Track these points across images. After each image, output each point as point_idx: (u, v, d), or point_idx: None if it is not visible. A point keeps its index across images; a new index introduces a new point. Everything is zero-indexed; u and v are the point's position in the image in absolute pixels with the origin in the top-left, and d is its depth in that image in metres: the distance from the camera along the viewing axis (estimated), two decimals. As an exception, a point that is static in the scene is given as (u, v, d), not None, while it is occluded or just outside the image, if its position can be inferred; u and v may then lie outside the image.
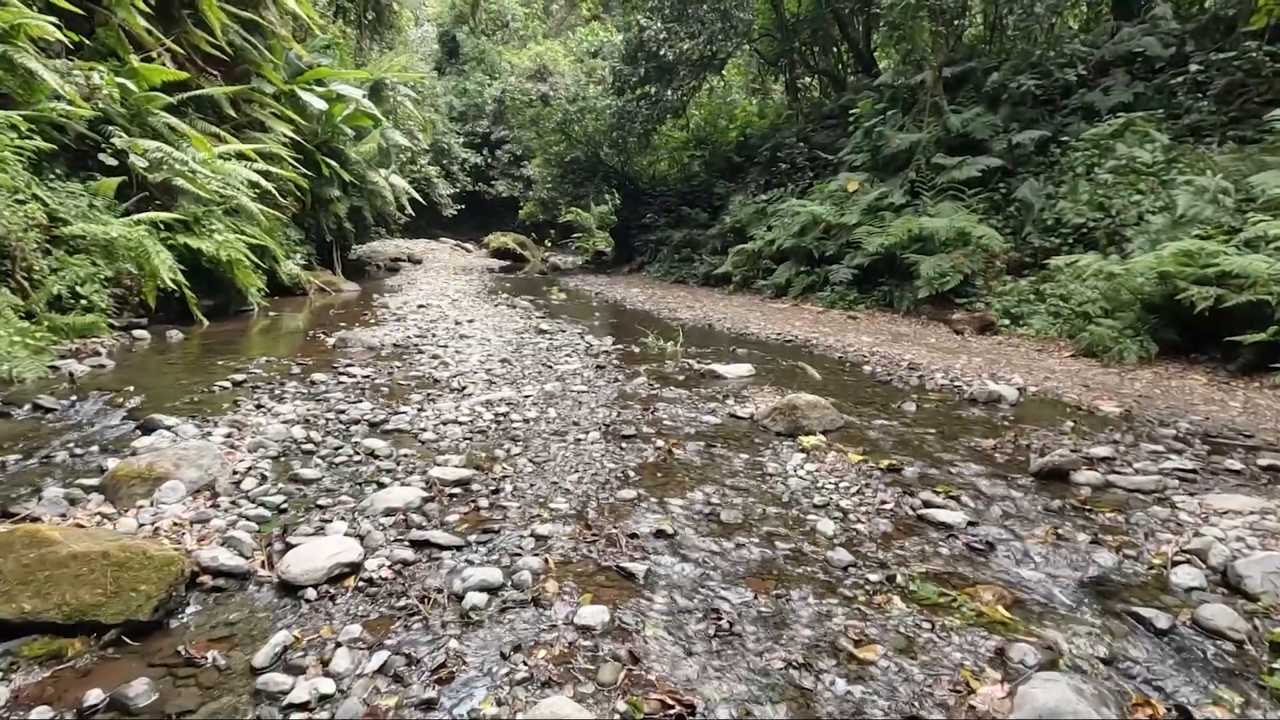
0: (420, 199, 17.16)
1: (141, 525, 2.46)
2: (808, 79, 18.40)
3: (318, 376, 4.99)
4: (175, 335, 6.70)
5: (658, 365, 6.00)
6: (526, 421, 4.07)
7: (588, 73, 21.53)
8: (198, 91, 8.95)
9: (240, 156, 9.39)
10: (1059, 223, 8.55)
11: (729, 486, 3.10)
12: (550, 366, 5.70)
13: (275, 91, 12.09)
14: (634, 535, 2.56)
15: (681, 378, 5.50)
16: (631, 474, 3.24)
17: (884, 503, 2.94)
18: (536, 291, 13.46)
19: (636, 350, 6.79)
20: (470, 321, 8.16)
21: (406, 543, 2.42)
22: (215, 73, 9.77)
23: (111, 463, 2.95)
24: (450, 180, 26.69)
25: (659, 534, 2.58)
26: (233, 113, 9.95)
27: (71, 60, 7.28)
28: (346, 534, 2.44)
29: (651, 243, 16.87)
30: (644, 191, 18.34)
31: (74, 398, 4.12)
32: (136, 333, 6.53)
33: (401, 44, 18.00)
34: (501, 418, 4.10)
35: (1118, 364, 6.06)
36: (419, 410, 4.23)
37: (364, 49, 17.60)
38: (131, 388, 4.39)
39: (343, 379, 4.99)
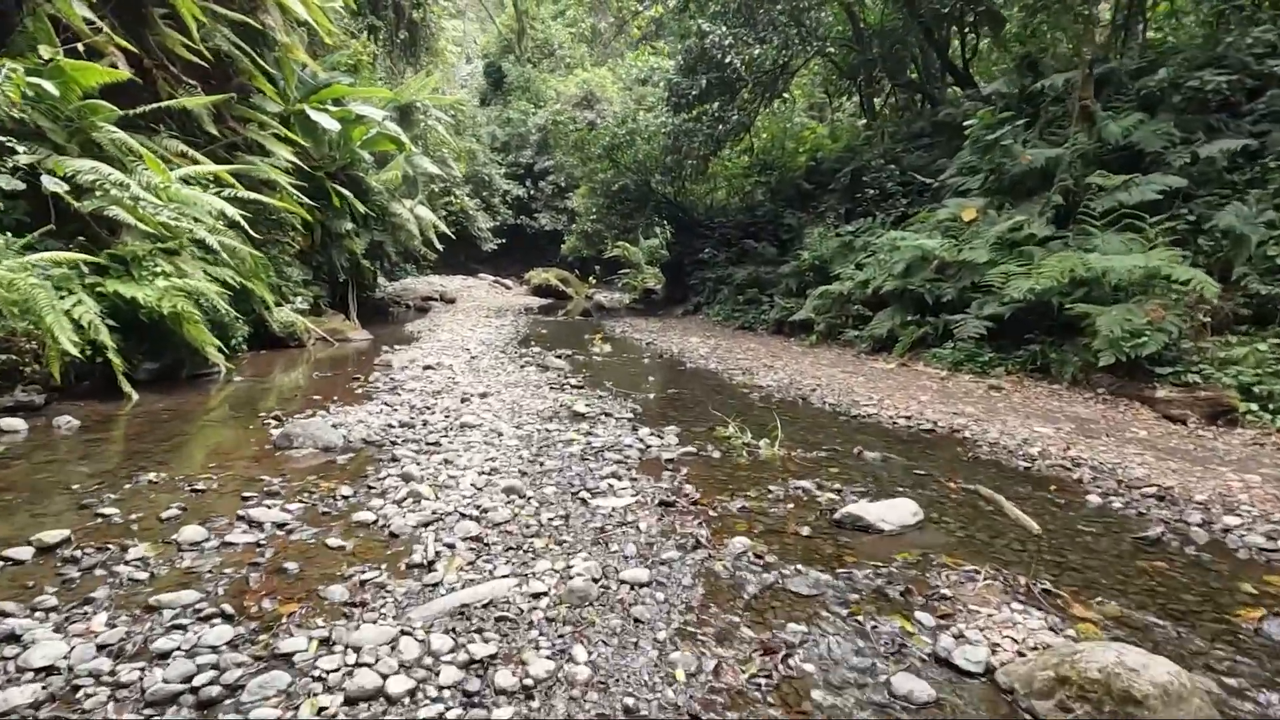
0: (449, 233, 15.47)
1: None
2: (889, 95, 16.19)
3: (188, 536, 2.92)
4: (66, 424, 4.78)
5: (757, 492, 3.75)
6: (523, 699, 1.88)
7: (637, 100, 19.82)
8: (164, 103, 7.27)
9: (217, 181, 7.67)
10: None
11: None
12: (585, 502, 3.51)
13: (283, 111, 10.53)
14: None
15: (806, 532, 3.24)
16: None
17: None
18: (577, 339, 11.40)
19: (714, 453, 4.55)
20: (483, 396, 6.07)
21: None
22: (194, 83, 8.13)
23: None
24: (490, 213, 25.27)
25: None
26: (214, 130, 8.29)
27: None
28: None
29: (710, 281, 14.72)
30: (700, 223, 16.29)
31: None
32: (8, 422, 4.64)
33: (438, 64, 16.59)
34: (470, 700, 1.92)
35: None
36: (312, 652, 2.08)
37: (398, 71, 16.19)
38: None
39: (230, 543, 2.90)
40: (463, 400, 5.81)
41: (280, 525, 3.09)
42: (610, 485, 3.74)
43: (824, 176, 15.09)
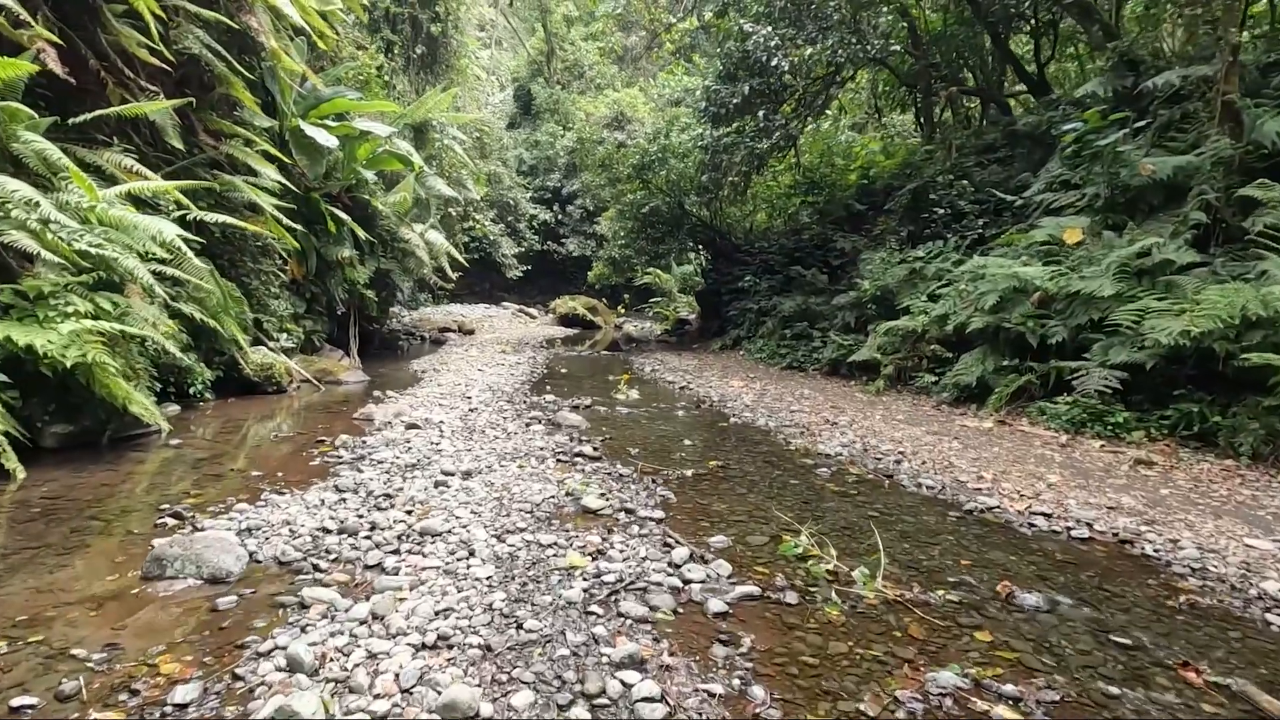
0: (462, 260, 14.23)
1: None
2: (944, 107, 14.60)
3: None
4: (-121, 526, 3.46)
5: (875, 699, 2.20)
6: None
7: (669, 121, 18.60)
8: (103, 111, 6.11)
9: (179, 204, 6.49)
10: None
11: None
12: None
13: (275, 127, 9.43)
14: None
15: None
16: None
17: None
18: (600, 382, 9.95)
19: (788, 593, 3.00)
20: (466, 477, 4.62)
21: None
22: (156, 90, 7.01)
23: None
24: (516, 239, 24.21)
25: None
26: (178, 144, 7.13)
27: None
28: None
29: (750, 312, 13.17)
30: (738, 248, 14.82)
31: None
32: None
33: (458, 82, 15.57)
34: None
35: None
36: None
37: (419, 89, 15.20)
38: None
39: None
40: (436, 485, 4.36)
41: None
42: (626, 687, 2.22)
43: (877, 196, 13.54)
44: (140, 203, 6.71)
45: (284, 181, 8.90)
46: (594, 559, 3.24)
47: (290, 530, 3.57)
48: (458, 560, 3.22)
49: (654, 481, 4.67)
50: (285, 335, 8.97)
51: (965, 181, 10.59)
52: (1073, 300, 6.87)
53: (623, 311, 23.71)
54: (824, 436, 6.28)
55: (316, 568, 3.15)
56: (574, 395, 8.40)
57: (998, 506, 4.34)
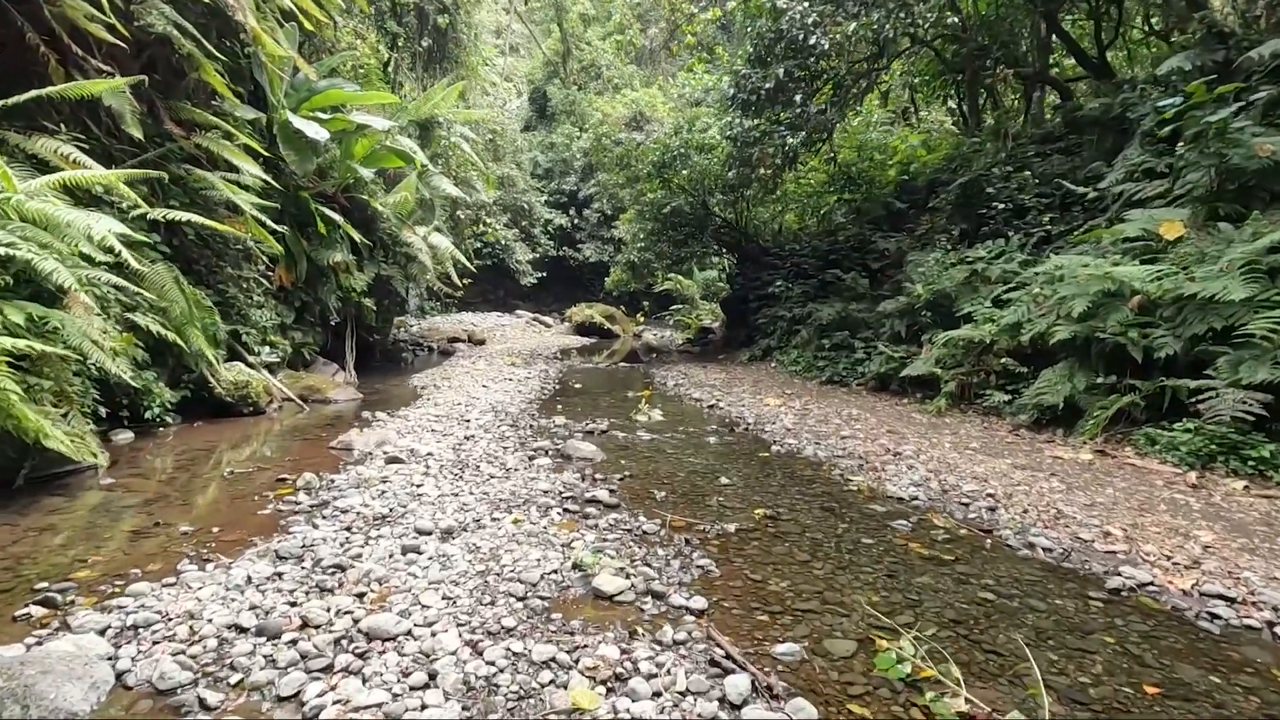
0: (470, 266, 13.29)
1: None
2: (988, 96, 13.43)
3: None
4: None
5: None
6: None
7: (690, 119, 17.66)
8: (42, 91, 5.22)
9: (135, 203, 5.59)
10: None
11: None
12: None
13: (259, 119, 8.59)
14: None
15: None
16: None
17: None
18: (618, 400, 8.93)
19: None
20: (446, 537, 3.61)
21: None
22: (110, 69, 6.14)
23: None
24: (530, 244, 23.34)
25: None
26: (135, 133, 6.24)
27: None
28: None
29: (782, 320, 12.09)
30: (767, 251, 13.74)
31: None
32: None
33: (467, 78, 14.68)
34: None
35: None
36: None
37: (427, 85, 14.34)
38: None
39: None
40: (405, 551, 3.35)
41: None
42: None
43: (919, 194, 12.44)
44: (93, 199, 5.85)
45: (267, 179, 8.03)
46: (609, 692, 2.20)
47: (190, 629, 2.57)
48: (409, 691, 2.19)
49: (688, 542, 3.62)
50: (268, 349, 8.07)
51: (1026, 173, 9.44)
52: (1184, 306, 5.72)
53: (642, 320, 22.70)
54: (889, 472, 5.18)
55: (204, 703, 2.14)
56: (588, 416, 7.38)
57: (1151, 583, 3.23)
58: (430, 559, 3.25)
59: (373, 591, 2.91)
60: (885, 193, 12.60)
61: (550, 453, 5.57)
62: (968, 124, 13.27)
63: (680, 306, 19.93)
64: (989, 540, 3.82)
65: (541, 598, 2.90)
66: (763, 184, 11.61)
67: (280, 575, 3.06)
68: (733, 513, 4.20)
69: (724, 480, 4.96)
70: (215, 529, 3.74)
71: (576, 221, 25.58)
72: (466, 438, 5.99)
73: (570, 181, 25.76)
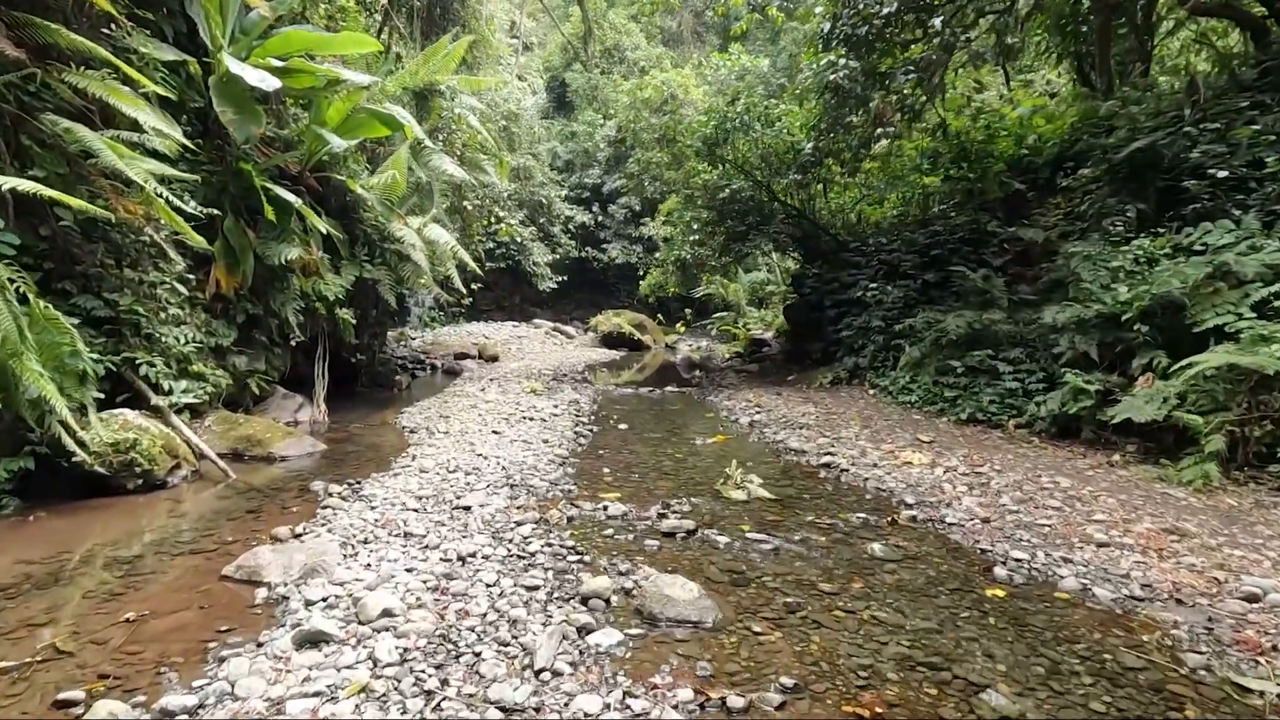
0: (476, 268, 10.76)
1: None
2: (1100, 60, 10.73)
3: None
4: None
5: None
6: None
7: (729, 101, 15.20)
8: None
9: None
10: None
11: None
12: None
13: (181, 60, 6.18)
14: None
15: None
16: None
17: None
18: (682, 447, 6.36)
19: None
20: None
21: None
22: None
23: None
24: (549, 244, 20.87)
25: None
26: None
27: None
28: None
29: (875, 333, 9.46)
30: (846, 246, 11.11)
31: None
32: None
33: (474, 37, 12.16)
34: None
35: None
36: None
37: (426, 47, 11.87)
38: None
39: None
40: None
41: None
42: None
43: (1036, 171, 9.82)
44: None
45: (187, 144, 5.60)
46: None
47: None
48: None
49: None
50: (186, 384, 5.60)
51: (1253, 128, 6.77)
52: None
53: (682, 330, 20.07)
54: (1249, 649, 2.57)
55: None
56: (649, 485, 4.83)
57: None
58: None
59: None
60: (999, 171, 9.95)
61: (610, 602, 3.00)
62: (1093, 84, 10.61)
63: (724, 314, 17.32)
64: None
65: None
66: (855, 156, 8.99)
67: None
68: None
69: (989, 697, 2.36)
70: None
71: (600, 219, 23.05)
72: (462, 559, 3.43)
73: (593, 174, 23.27)
